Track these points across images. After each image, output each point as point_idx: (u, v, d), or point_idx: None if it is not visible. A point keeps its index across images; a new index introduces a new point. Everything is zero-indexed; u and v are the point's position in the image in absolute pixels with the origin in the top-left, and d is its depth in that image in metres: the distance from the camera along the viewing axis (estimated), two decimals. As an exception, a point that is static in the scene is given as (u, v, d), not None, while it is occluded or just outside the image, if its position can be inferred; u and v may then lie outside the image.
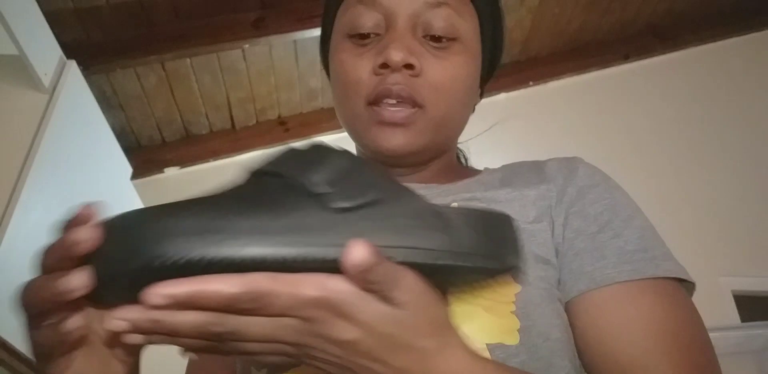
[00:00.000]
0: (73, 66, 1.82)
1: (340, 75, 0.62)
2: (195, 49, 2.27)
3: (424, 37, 0.60)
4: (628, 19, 3.02)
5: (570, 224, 0.56)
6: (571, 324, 0.52)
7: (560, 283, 0.54)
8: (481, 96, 0.71)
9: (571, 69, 3.08)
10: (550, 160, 0.66)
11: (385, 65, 0.58)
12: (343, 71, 0.62)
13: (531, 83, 3.04)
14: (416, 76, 0.59)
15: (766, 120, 3.05)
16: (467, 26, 0.62)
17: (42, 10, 1.70)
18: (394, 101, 0.59)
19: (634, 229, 0.55)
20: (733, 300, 2.55)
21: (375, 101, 0.59)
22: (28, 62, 1.60)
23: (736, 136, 3.00)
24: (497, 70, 0.72)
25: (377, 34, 0.61)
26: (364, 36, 0.61)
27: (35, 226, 1.53)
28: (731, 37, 3.26)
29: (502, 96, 2.97)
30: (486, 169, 0.69)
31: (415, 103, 0.59)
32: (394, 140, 0.59)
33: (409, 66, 0.58)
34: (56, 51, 1.78)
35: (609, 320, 0.49)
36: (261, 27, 2.31)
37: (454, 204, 0.58)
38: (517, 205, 0.58)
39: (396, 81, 0.58)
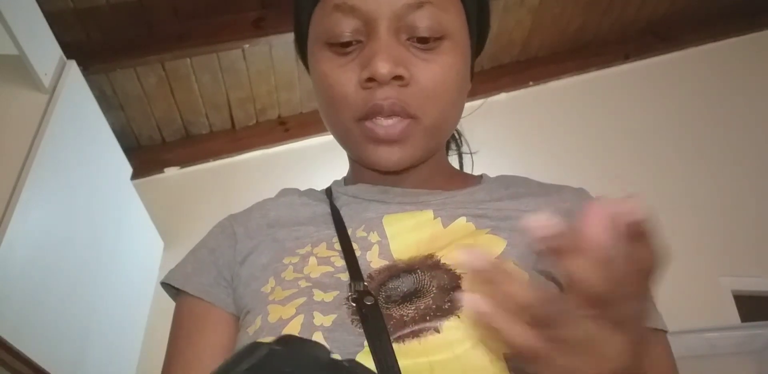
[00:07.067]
0: (73, 66, 1.82)
1: (325, 89, 0.59)
2: (195, 49, 2.27)
3: (409, 39, 0.57)
4: (628, 19, 3.02)
5: None
6: None
7: None
8: (472, 78, 0.68)
9: (571, 69, 3.08)
10: (562, 188, 0.66)
11: (371, 79, 0.56)
12: (327, 85, 0.59)
13: (531, 83, 3.04)
14: (406, 85, 0.56)
15: (766, 120, 3.05)
16: (453, 20, 0.59)
17: (42, 10, 1.70)
18: (385, 117, 0.57)
19: None
20: (733, 300, 2.54)
21: (365, 117, 0.57)
22: (28, 62, 1.60)
23: (737, 135, 3.00)
24: (485, 45, 0.69)
25: (359, 41, 0.58)
26: (344, 44, 0.58)
27: (35, 226, 1.53)
28: (731, 37, 3.26)
29: (502, 96, 2.98)
30: (485, 176, 0.69)
31: (408, 115, 0.57)
32: (392, 157, 0.58)
33: (398, 77, 0.56)
34: (56, 51, 1.78)
35: None
36: (261, 27, 2.31)
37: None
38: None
39: (386, 95, 0.56)
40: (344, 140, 0.62)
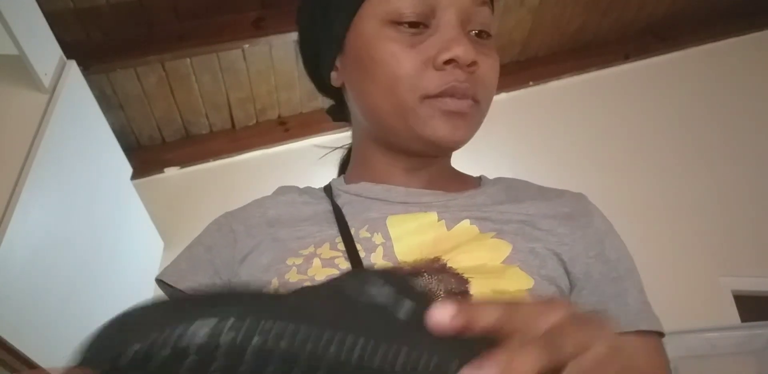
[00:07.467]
0: (73, 66, 1.82)
1: (389, 65, 0.59)
2: (195, 49, 2.28)
3: (469, 32, 0.61)
4: (628, 19, 3.02)
5: (594, 266, 0.59)
6: None
7: None
8: None
9: (571, 69, 3.08)
10: (562, 193, 0.67)
11: (451, 61, 0.57)
12: (393, 62, 0.59)
13: (531, 83, 3.04)
14: (473, 72, 0.59)
15: (766, 120, 3.05)
16: (493, 22, 0.64)
17: (42, 10, 1.70)
18: (458, 98, 0.59)
19: (637, 281, 0.62)
20: (733, 300, 2.55)
21: (435, 96, 0.58)
22: (28, 62, 1.60)
23: (736, 135, 3.00)
24: None
25: (426, 26, 0.59)
26: (412, 24, 0.59)
27: (35, 226, 1.54)
28: (731, 37, 3.26)
29: (503, 96, 2.98)
30: (484, 178, 0.69)
31: (474, 98, 0.60)
32: (458, 131, 0.59)
33: (473, 63, 0.58)
34: (56, 51, 1.78)
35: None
36: (261, 27, 2.31)
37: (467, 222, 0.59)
38: (528, 228, 0.59)
39: (462, 78, 0.58)
40: (401, 117, 0.60)
